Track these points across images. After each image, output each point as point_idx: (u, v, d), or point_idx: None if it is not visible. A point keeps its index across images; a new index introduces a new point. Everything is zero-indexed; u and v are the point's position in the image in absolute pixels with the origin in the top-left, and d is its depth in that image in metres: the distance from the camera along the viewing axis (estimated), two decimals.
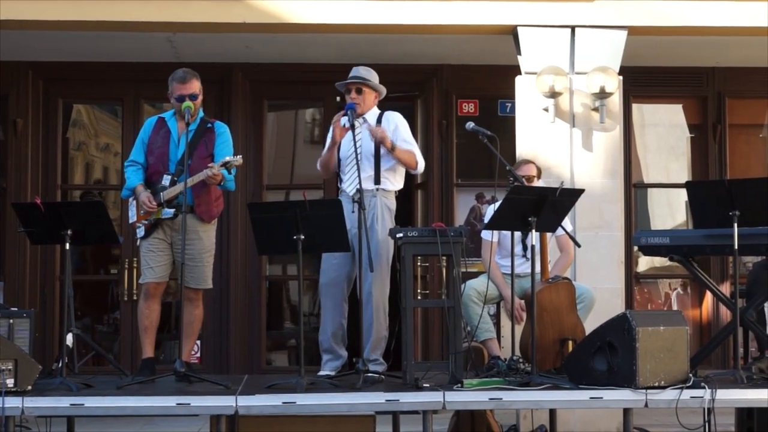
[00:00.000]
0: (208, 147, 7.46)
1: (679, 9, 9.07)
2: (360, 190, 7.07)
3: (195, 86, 7.45)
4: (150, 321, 7.53)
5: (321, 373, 7.35)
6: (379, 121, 7.53)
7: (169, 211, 7.40)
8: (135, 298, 10.20)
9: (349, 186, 7.40)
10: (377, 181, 7.45)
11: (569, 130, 9.08)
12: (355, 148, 7.31)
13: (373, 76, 7.57)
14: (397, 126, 7.53)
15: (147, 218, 7.43)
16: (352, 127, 7.34)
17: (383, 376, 7.17)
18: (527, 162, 8.11)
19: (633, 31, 9.07)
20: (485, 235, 7.82)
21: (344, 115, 7.38)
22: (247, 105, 10.88)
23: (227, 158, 7.37)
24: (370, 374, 7.02)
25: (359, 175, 7.14)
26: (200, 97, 7.49)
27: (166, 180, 7.43)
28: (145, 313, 7.52)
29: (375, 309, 7.34)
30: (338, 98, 7.90)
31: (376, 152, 7.44)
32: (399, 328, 6.90)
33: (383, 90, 7.60)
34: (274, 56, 10.49)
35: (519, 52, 9.13)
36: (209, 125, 7.54)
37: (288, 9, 8.98)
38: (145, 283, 7.52)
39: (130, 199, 7.54)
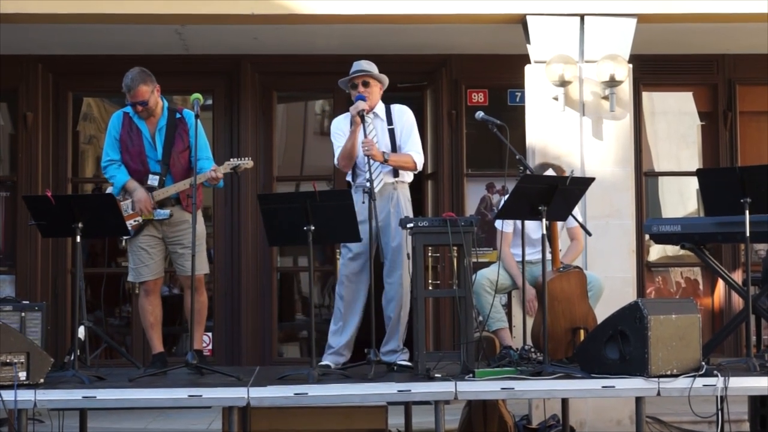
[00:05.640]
0: (184, 140, 7.44)
1: None
2: (370, 181, 7.07)
3: (142, 92, 7.34)
4: (155, 317, 7.54)
5: (323, 362, 7.34)
6: (388, 115, 7.53)
7: (164, 212, 7.38)
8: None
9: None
10: (396, 173, 7.46)
11: (579, 118, 9.05)
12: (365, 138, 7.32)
13: (375, 68, 7.57)
14: (404, 126, 7.53)
15: (134, 218, 7.38)
16: (363, 119, 7.33)
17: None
18: (555, 167, 8.02)
19: (642, 18, 9.04)
20: (499, 225, 7.79)
21: (357, 110, 7.34)
22: (257, 97, 10.88)
23: (235, 161, 7.36)
24: (403, 363, 7.17)
25: (369, 168, 7.13)
26: (154, 95, 7.38)
27: (153, 180, 7.40)
28: (148, 310, 7.53)
29: (405, 299, 7.37)
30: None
31: (392, 146, 7.46)
32: (410, 318, 6.91)
33: (386, 80, 7.60)
34: (282, 48, 10.49)
35: (528, 41, 9.11)
36: (178, 116, 7.49)
37: (296, 0, 8.98)
38: (145, 281, 7.50)
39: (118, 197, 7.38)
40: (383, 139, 7.44)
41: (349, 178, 7.63)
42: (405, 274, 7.36)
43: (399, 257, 7.33)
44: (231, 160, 7.49)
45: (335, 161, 7.56)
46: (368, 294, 7.30)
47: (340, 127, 7.59)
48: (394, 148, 7.45)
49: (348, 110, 7.56)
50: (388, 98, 7.67)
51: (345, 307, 7.44)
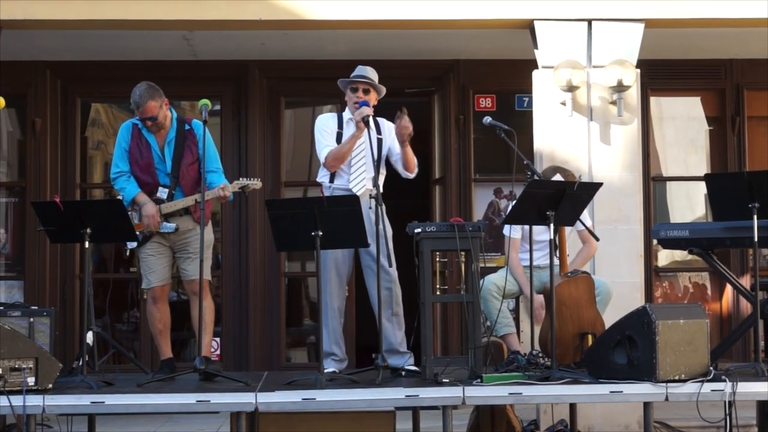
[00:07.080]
0: (193, 152, 7.44)
1: (696, 1, 9.04)
2: (377, 186, 7.11)
3: (151, 108, 7.32)
4: (163, 323, 7.55)
5: (328, 369, 7.33)
6: (377, 126, 7.55)
7: (170, 226, 7.38)
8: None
9: (356, 185, 7.39)
10: (376, 182, 7.49)
11: (587, 123, 9.06)
12: (371, 146, 7.31)
13: (377, 77, 7.59)
14: (393, 141, 7.56)
15: (140, 230, 7.36)
16: (367, 125, 7.33)
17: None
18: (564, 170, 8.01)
19: (650, 23, 9.04)
20: (507, 231, 7.79)
21: (362, 115, 7.35)
22: (265, 102, 10.90)
23: (244, 181, 7.36)
24: (411, 368, 7.18)
25: (375, 174, 7.17)
26: (163, 109, 7.37)
27: (162, 193, 7.40)
28: (156, 317, 7.54)
29: (399, 302, 7.38)
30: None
31: (378, 153, 7.48)
32: (418, 323, 6.91)
33: (384, 91, 7.62)
34: (289, 53, 10.51)
35: (536, 46, 9.12)
36: (187, 127, 7.50)
37: (303, 5, 9.00)
38: (152, 288, 7.52)
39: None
40: (373, 145, 7.45)
41: (321, 179, 7.58)
42: (396, 276, 7.39)
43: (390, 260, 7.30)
44: (240, 179, 7.47)
45: (322, 159, 7.51)
46: (346, 295, 7.40)
47: (327, 124, 7.60)
48: (380, 156, 7.47)
49: (340, 112, 7.64)
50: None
51: (324, 309, 7.44)
